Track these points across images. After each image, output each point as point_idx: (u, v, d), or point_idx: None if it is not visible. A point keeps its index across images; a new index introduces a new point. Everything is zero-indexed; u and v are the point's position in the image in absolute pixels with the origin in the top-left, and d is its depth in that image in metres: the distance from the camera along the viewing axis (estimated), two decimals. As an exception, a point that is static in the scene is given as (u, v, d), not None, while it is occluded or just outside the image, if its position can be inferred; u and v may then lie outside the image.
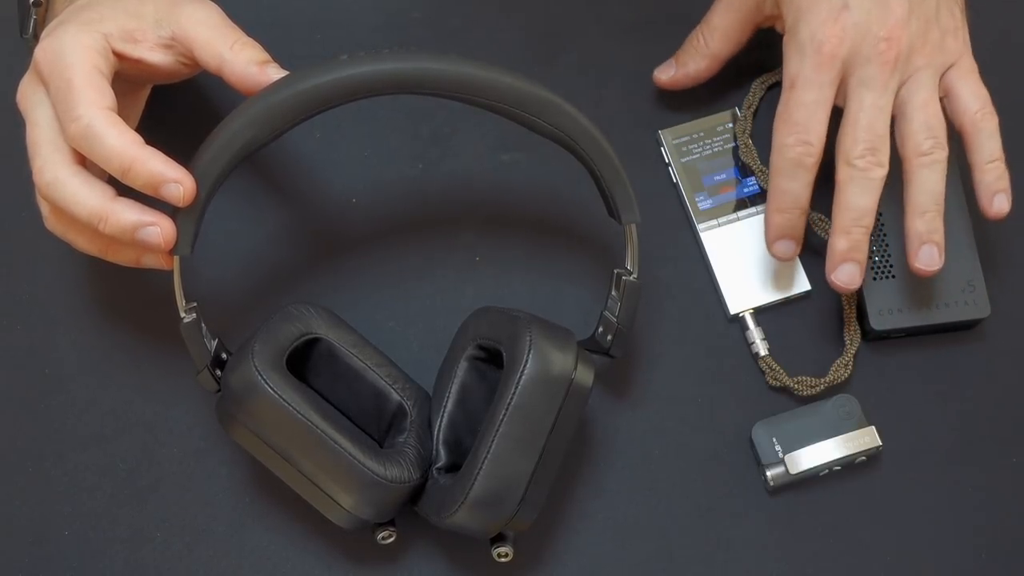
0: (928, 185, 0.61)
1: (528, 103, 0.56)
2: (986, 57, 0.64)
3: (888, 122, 0.61)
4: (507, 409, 0.55)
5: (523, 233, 0.67)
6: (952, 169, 0.65)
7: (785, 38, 0.63)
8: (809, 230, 0.65)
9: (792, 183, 0.61)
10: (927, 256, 0.61)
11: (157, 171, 0.53)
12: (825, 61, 0.60)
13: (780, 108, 0.62)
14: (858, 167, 0.60)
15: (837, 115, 0.62)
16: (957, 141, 0.64)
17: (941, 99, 0.63)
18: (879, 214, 0.65)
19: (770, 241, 0.63)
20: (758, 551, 0.63)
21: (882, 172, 0.60)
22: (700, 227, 0.67)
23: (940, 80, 0.62)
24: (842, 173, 0.60)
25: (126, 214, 0.54)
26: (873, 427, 0.63)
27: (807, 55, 0.61)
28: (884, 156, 0.60)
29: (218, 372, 0.58)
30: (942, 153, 0.61)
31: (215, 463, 0.64)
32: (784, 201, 0.62)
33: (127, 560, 0.62)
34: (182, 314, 0.57)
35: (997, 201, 0.62)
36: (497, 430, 0.54)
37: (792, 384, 0.64)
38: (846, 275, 0.61)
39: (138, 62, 0.57)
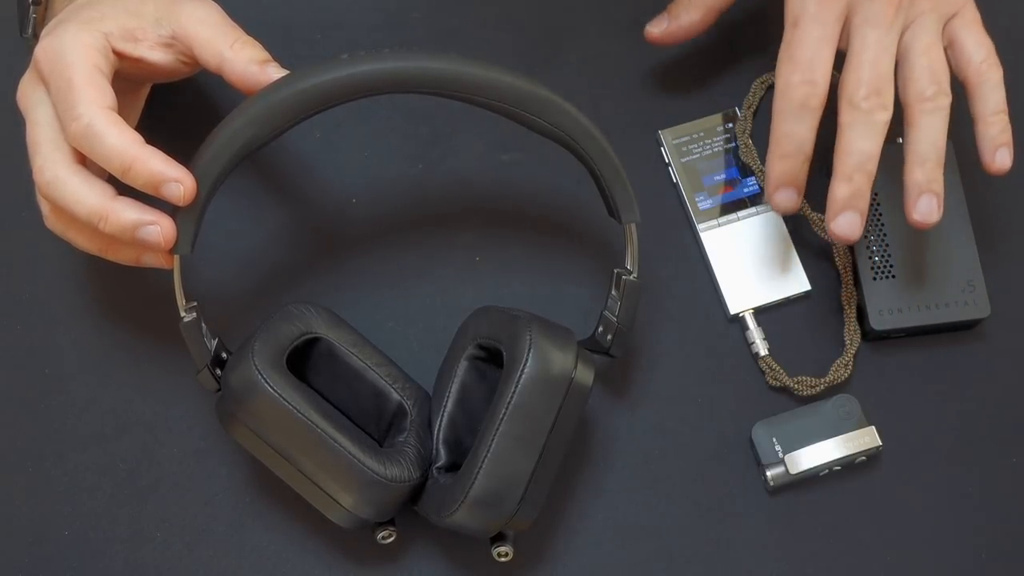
0: (930, 133, 0.59)
1: (528, 102, 0.56)
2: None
3: (892, 63, 0.59)
4: (507, 408, 0.55)
5: (523, 233, 0.67)
6: (952, 169, 0.65)
7: None
8: (809, 229, 0.65)
9: (796, 125, 0.58)
10: (925, 206, 0.59)
11: (157, 170, 0.53)
12: None
13: (783, 47, 0.59)
14: (861, 108, 0.58)
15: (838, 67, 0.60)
16: (957, 140, 0.64)
17: (944, 49, 0.61)
18: (880, 213, 0.65)
19: (771, 191, 0.60)
20: (758, 551, 0.63)
21: (886, 115, 0.58)
22: (700, 227, 0.67)
23: (943, 29, 0.61)
24: (845, 116, 0.58)
25: (126, 213, 0.54)
26: (873, 427, 0.63)
27: None
28: (888, 98, 0.58)
29: (218, 371, 0.58)
30: (945, 100, 0.59)
31: (215, 463, 0.64)
32: (787, 146, 0.59)
33: (127, 560, 0.62)
34: (182, 313, 0.57)
35: (1000, 155, 0.60)
36: (497, 429, 0.54)
37: (792, 384, 0.64)
38: (846, 223, 0.58)
39: (138, 61, 0.57)
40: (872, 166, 0.58)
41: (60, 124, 0.54)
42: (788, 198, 0.60)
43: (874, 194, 0.65)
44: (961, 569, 0.63)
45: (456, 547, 0.62)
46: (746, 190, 0.68)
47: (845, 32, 0.59)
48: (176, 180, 0.53)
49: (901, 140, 0.61)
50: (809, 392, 0.64)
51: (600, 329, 0.61)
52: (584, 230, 0.67)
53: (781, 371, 0.64)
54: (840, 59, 0.60)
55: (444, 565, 0.62)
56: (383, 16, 0.71)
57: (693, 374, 0.66)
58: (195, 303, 0.57)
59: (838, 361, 0.64)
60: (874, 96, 0.58)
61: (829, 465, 0.63)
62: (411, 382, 0.61)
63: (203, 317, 0.57)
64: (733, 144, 0.68)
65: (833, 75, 0.59)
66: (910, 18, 0.60)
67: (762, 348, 0.65)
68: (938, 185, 0.59)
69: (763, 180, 0.67)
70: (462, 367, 0.61)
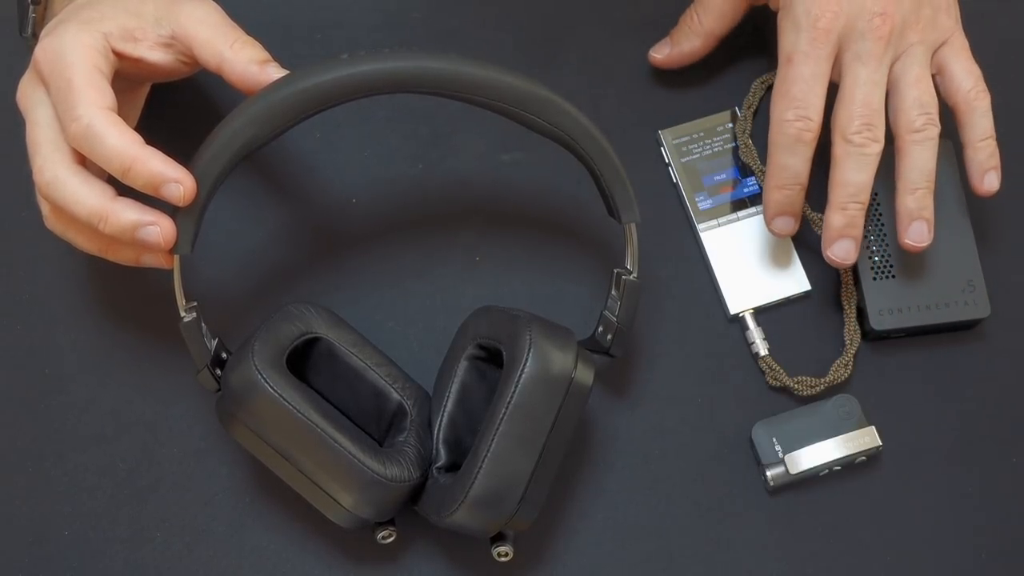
0: (920, 162, 0.61)
1: (528, 102, 0.56)
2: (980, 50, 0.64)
3: (883, 97, 0.61)
4: (507, 408, 0.55)
5: (523, 233, 0.67)
6: (952, 170, 0.65)
7: (780, 14, 0.63)
8: (809, 230, 0.65)
9: (791, 158, 0.61)
10: (917, 232, 0.61)
11: (157, 171, 0.53)
12: (821, 35, 0.60)
13: (777, 83, 0.62)
14: (854, 143, 0.60)
15: (832, 94, 0.61)
16: (956, 141, 0.64)
17: (933, 76, 0.63)
18: (880, 214, 0.65)
19: (769, 218, 0.63)
20: (758, 551, 0.63)
21: (878, 147, 0.60)
22: (700, 227, 0.67)
23: (932, 57, 0.63)
24: (838, 149, 0.61)
25: (126, 213, 0.54)
26: (873, 427, 0.63)
27: (803, 29, 0.61)
28: (880, 131, 0.60)
29: (218, 371, 0.58)
30: (934, 130, 0.61)
31: (215, 463, 0.64)
32: (783, 177, 0.62)
33: (127, 560, 0.62)
34: (182, 313, 0.57)
35: (988, 179, 0.63)
36: (497, 429, 0.54)
37: (792, 384, 0.64)
38: (842, 251, 0.61)
39: (138, 61, 0.57)
40: (865, 196, 0.61)
41: (60, 124, 0.54)
42: (785, 225, 0.64)
43: (874, 194, 0.65)
44: (961, 569, 0.63)
45: (456, 547, 0.62)
46: (746, 190, 0.68)
47: (837, 65, 0.61)
48: (176, 180, 0.53)
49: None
50: (809, 392, 0.64)
51: (600, 329, 0.61)
52: (584, 230, 0.67)
53: (781, 371, 0.64)
54: (833, 90, 0.61)
55: (444, 565, 0.62)
56: (383, 16, 0.71)
57: (693, 374, 0.66)
58: (195, 303, 0.57)
59: (838, 361, 0.64)
60: (866, 130, 0.60)
61: (829, 465, 0.63)
62: (411, 382, 0.61)
63: (203, 317, 0.57)
64: (733, 144, 0.68)
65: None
66: (900, 50, 0.62)
67: (762, 348, 0.65)
68: (928, 212, 0.61)
69: (763, 180, 0.67)
70: (462, 367, 0.61)
